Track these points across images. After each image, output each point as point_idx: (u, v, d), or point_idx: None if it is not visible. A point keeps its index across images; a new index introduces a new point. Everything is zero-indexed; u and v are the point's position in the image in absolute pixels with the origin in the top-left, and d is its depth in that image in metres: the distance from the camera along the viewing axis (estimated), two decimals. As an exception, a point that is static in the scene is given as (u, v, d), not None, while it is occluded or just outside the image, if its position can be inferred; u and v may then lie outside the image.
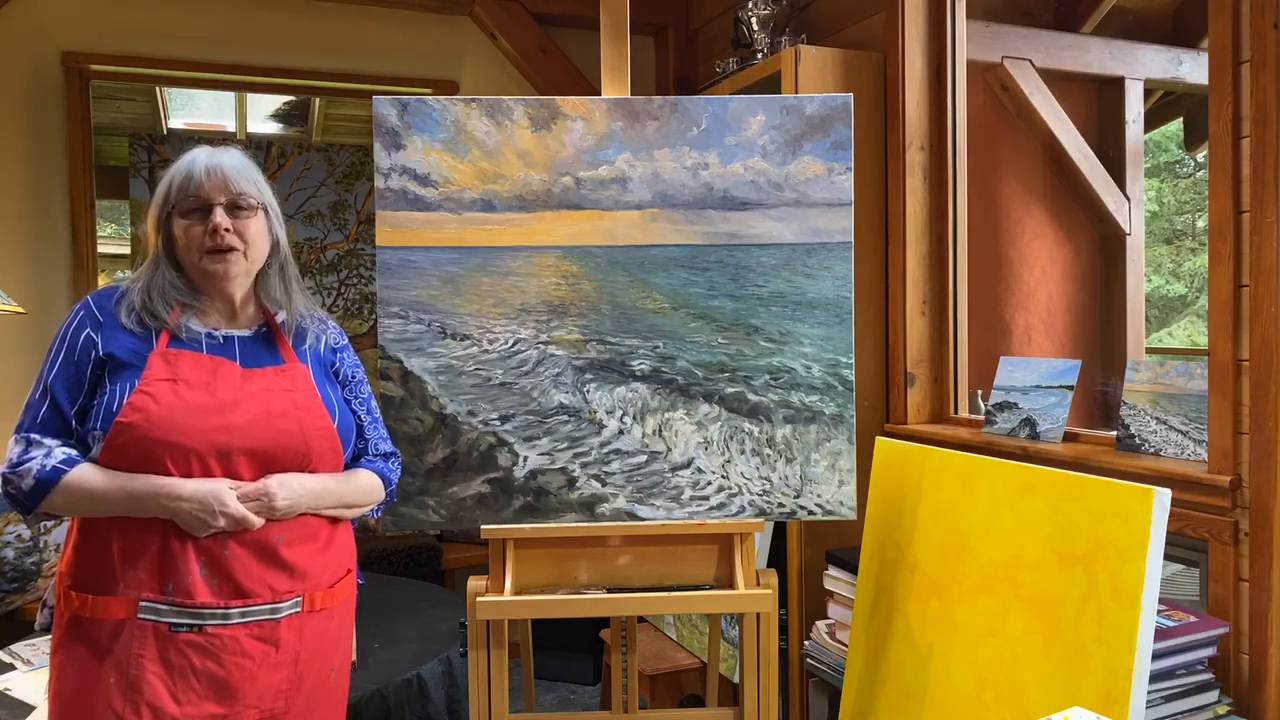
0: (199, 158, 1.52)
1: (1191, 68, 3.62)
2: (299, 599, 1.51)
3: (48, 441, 1.45)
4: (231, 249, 1.51)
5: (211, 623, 1.44)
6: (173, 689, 1.42)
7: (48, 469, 1.42)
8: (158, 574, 1.43)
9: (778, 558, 2.81)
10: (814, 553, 2.74)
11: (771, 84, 2.81)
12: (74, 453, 1.45)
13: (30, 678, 2.15)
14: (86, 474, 1.43)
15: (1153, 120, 4.38)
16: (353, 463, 1.66)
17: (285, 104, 5.45)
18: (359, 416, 1.68)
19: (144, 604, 1.42)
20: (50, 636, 1.52)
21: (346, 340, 1.73)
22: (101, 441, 1.43)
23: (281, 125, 5.70)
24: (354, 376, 1.70)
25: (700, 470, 1.94)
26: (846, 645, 2.22)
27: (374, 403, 1.74)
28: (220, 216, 1.49)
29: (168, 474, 1.43)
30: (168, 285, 1.52)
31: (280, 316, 1.61)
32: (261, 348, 1.57)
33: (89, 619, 1.44)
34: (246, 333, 1.58)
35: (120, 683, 1.41)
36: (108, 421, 1.43)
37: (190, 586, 1.43)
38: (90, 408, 1.47)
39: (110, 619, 1.43)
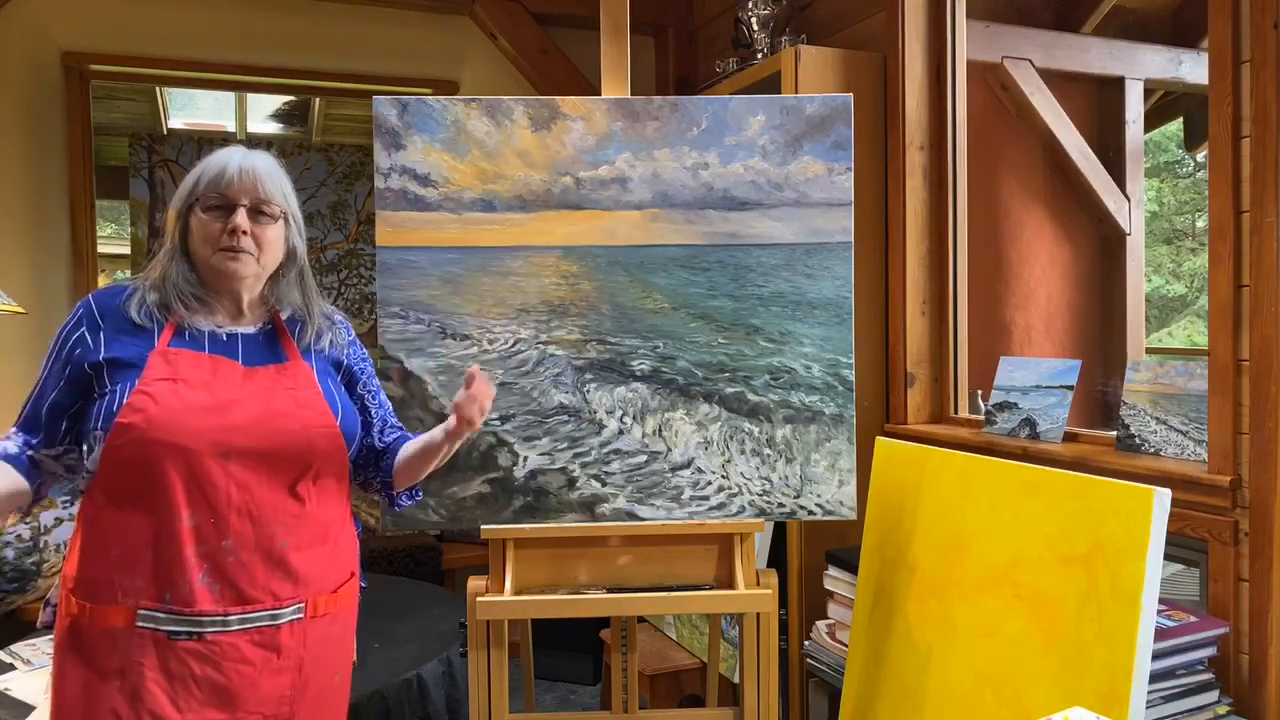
0: (233, 157, 1.52)
1: (1191, 68, 3.62)
2: (301, 605, 1.50)
3: (12, 433, 1.51)
4: (244, 251, 1.50)
5: (211, 630, 1.43)
6: (173, 697, 1.42)
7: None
8: (155, 582, 1.42)
9: (778, 558, 2.81)
10: (814, 553, 2.74)
11: (771, 84, 2.81)
12: (12, 450, 1.47)
13: (30, 678, 2.15)
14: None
15: (1153, 120, 4.38)
16: (366, 441, 1.69)
17: (285, 104, 5.44)
18: (366, 401, 1.69)
19: (142, 612, 1.42)
20: (52, 635, 1.51)
21: (354, 335, 1.73)
22: (102, 442, 1.42)
23: (281, 125, 5.70)
24: (363, 369, 1.71)
25: (700, 470, 1.94)
26: (846, 645, 2.22)
27: (382, 394, 1.76)
28: (241, 218, 1.49)
29: (165, 474, 1.42)
30: (181, 278, 1.52)
31: (285, 314, 1.61)
32: (264, 345, 1.57)
33: (88, 627, 1.44)
34: (251, 330, 1.57)
35: (122, 691, 1.41)
36: (108, 422, 1.42)
37: (190, 594, 1.42)
38: (89, 409, 1.46)
39: (109, 627, 1.43)
